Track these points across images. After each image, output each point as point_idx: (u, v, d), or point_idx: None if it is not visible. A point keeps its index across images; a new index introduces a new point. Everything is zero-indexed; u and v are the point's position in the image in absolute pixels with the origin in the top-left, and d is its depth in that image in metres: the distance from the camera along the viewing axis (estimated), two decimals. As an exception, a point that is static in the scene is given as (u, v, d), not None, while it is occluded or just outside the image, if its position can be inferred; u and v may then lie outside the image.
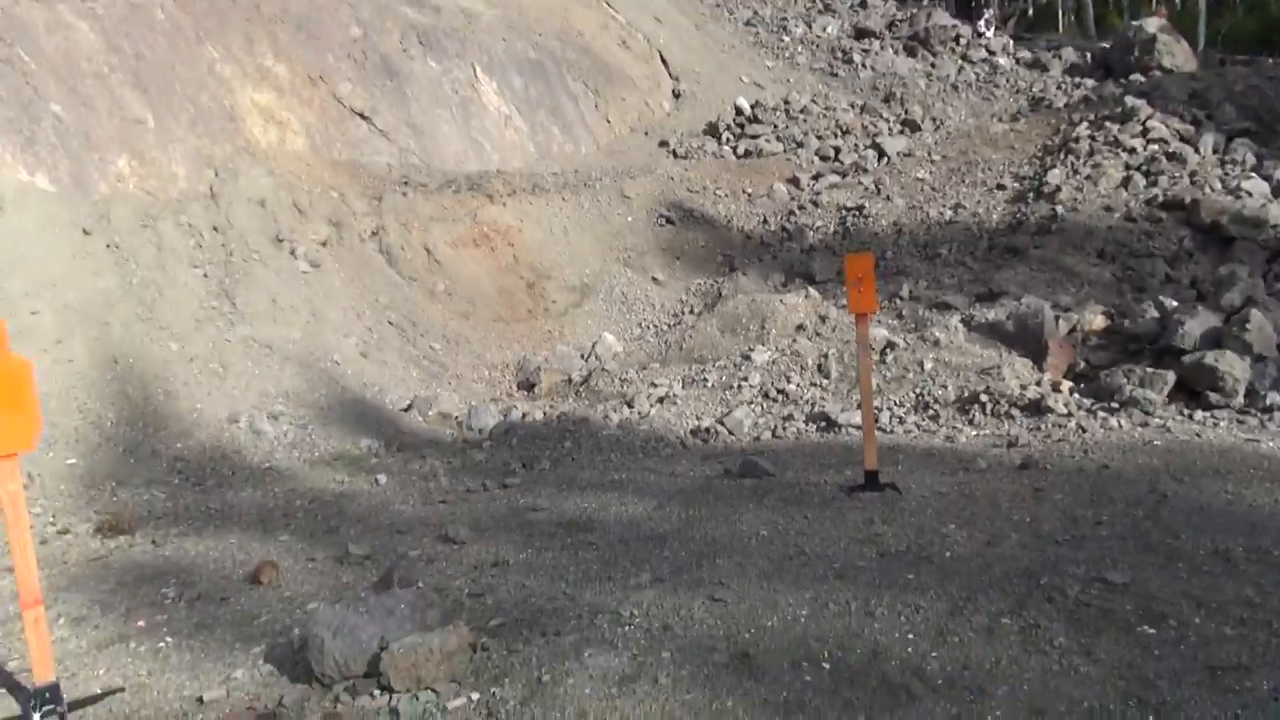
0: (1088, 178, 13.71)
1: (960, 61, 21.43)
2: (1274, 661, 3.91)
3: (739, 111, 17.82)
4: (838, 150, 16.53)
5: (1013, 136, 16.31)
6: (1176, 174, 13.41)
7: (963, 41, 22.33)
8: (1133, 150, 14.22)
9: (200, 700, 4.17)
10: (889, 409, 9.01)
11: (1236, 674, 3.83)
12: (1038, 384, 9.08)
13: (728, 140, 17.10)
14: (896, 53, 21.84)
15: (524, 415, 9.79)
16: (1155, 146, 14.20)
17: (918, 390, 9.30)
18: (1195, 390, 8.40)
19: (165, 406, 8.86)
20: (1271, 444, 7.22)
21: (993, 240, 13.11)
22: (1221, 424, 7.86)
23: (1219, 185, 12.98)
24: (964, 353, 9.75)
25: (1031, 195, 13.93)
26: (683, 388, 10.18)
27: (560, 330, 12.46)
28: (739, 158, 16.59)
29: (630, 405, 9.82)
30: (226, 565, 6.01)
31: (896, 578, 4.99)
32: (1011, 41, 23.24)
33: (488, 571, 5.55)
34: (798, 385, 9.78)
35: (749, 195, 15.45)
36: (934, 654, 4.16)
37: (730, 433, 8.96)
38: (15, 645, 4.82)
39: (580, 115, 16.94)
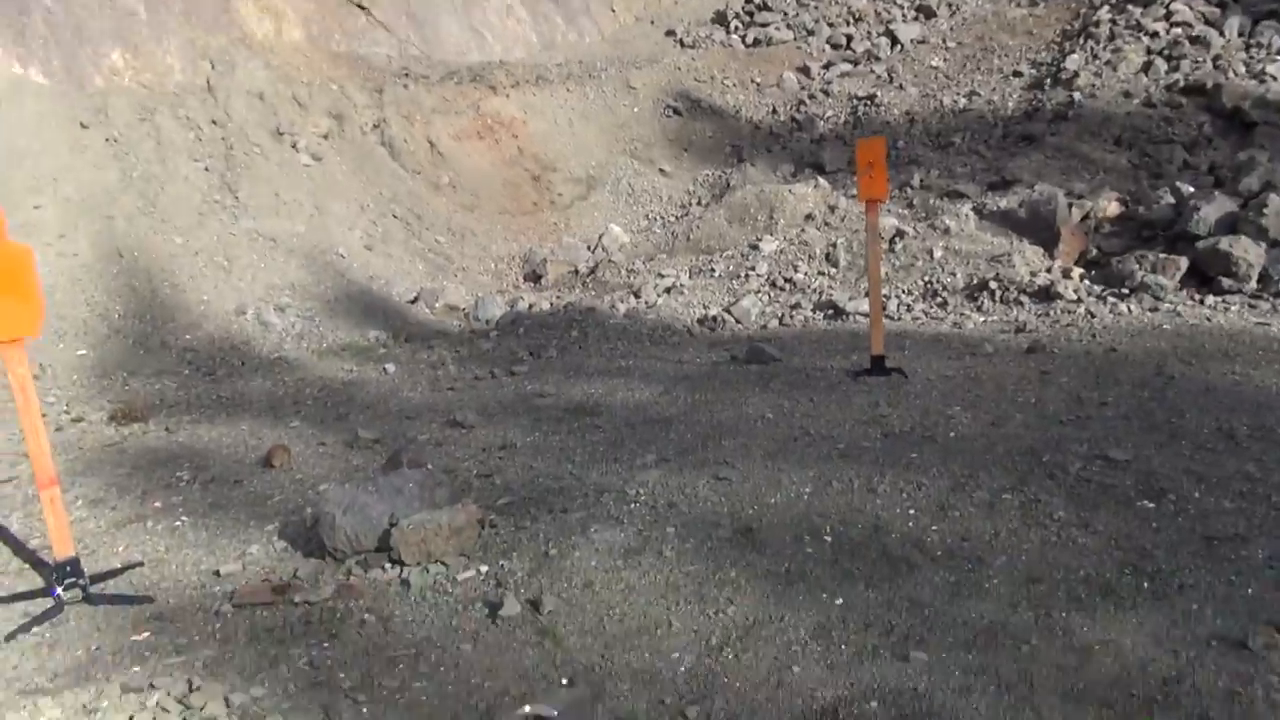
0: (1107, 63, 13.31)
1: (979, -58, 20.58)
2: (1271, 531, 3.95)
3: (748, -2, 17.28)
4: (849, 38, 16.06)
5: (1031, 21, 15.78)
6: (1199, 58, 12.99)
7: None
8: (1155, 34, 13.76)
9: (217, 573, 4.28)
10: (897, 297, 8.96)
11: (1233, 544, 3.88)
12: (1048, 271, 8.99)
13: (736, 28, 16.61)
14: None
15: (531, 306, 9.77)
16: (1178, 30, 13.73)
17: (926, 278, 9.23)
18: (1208, 276, 8.31)
19: (172, 299, 8.87)
20: (1282, 328, 7.17)
21: (1007, 128, 12.82)
22: (1233, 309, 7.79)
23: (1243, 69, 12.59)
24: (974, 240, 9.64)
25: (1049, 82, 13.56)
26: (690, 278, 10.13)
27: (566, 222, 12.35)
28: (748, 46, 16.15)
29: (637, 295, 9.80)
30: (239, 450, 6.10)
31: (900, 457, 5.03)
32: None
33: (495, 454, 5.62)
34: (805, 274, 9.71)
35: (758, 85, 15.09)
36: (934, 528, 4.22)
37: (737, 321, 8.95)
38: (36, 525, 4.93)
39: (584, 4, 16.45)
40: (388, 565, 4.14)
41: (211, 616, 3.87)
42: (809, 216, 10.87)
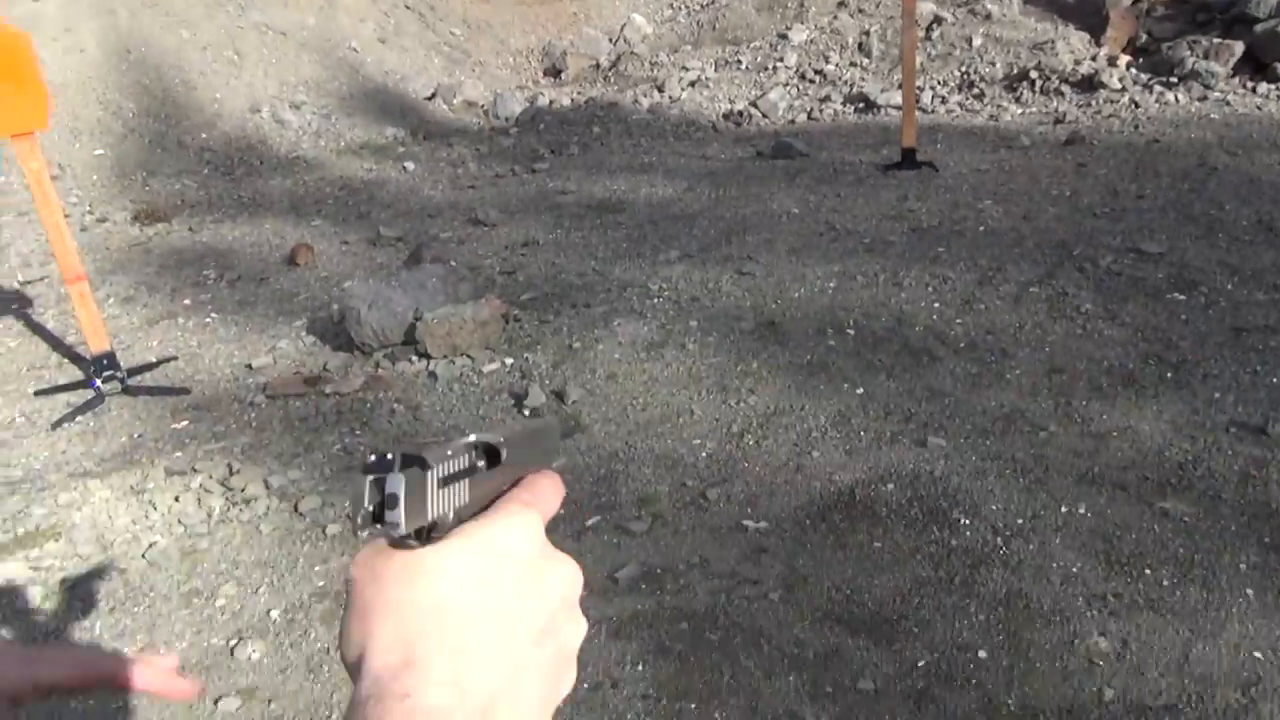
0: None
1: None
2: (1302, 323, 3.91)
3: None
4: None
5: None
6: None
7: None
8: None
9: (249, 367, 4.38)
10: (932, 88, 8.58)
11: (1261, 334, 3.85)
12: (1093, 59, 8.52)
13: None
14: None
15: (551, 102, 9.47)
16: None
17: (964, 68, 8.80)
18: (1263, 63, 7.84)
19: (185, 97, 8.65)
20: (1336, 117, 6.85)
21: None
22: (1286, 97, 7.42)
23: None
24: (1017, 26, 9.11)
25: None
26: (715, 70, 9.72)
27: (586, 12, 11.76)
28: None
29: (660, 89, 9.45)
30: (263, 249, 6.10)
31: (927, 251, 4.96)
32: None
33: (518, 251, 5.59)
34: (836, 65, 9.28)
35: None
36: (959, 320, 4.20)
37: (764, 115, 8.65)
38: (70, 323, 5.02)
39: None
40: (414, 358, 4.21)
41: (246, 407, 3.98)
42: (841, 3, 10.27)
